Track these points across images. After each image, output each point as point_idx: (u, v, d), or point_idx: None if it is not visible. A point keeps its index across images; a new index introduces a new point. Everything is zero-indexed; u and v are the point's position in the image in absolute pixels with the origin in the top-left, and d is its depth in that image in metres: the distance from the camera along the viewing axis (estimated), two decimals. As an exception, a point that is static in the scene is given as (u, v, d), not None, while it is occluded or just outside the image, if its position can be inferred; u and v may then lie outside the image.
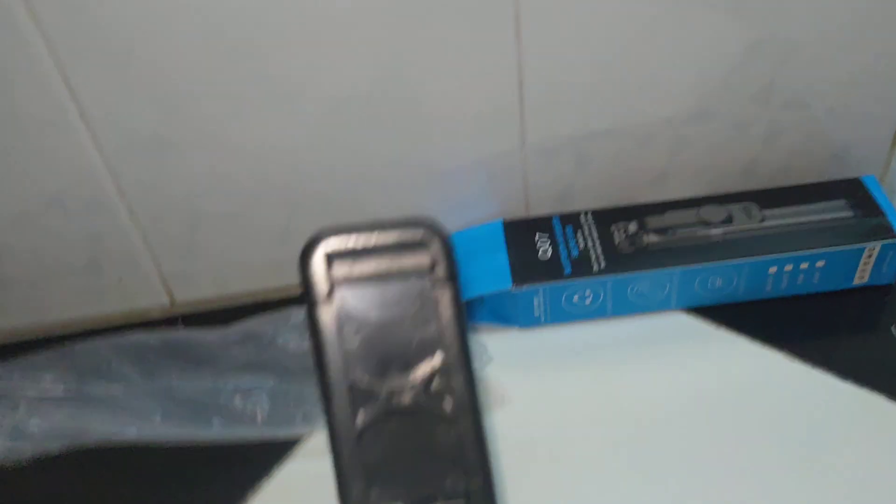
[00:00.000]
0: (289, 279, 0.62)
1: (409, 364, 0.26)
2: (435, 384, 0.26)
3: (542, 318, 0.58)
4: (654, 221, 0.57)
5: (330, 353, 0.26)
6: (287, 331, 0.53)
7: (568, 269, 0.56)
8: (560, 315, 0.57)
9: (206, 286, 0.61)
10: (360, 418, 0.26)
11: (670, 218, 0.57)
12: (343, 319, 0.26)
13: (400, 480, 0.26)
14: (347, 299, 0.26)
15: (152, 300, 0.61)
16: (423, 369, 0.26)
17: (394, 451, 0.26)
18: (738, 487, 0.49)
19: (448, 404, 0.26)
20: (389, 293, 0.26)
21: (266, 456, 0.54)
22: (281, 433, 0.54)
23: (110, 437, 0.54)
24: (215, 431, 0.53)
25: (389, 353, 0.26)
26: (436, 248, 0.27)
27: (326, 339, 0.26)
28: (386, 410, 0.26)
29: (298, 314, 0.54)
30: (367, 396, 0.26)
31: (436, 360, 0.26)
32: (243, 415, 0.53)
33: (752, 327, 0.57)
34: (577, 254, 0.56)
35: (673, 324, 0.58)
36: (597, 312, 0.57)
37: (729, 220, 0.57)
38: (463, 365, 0.26)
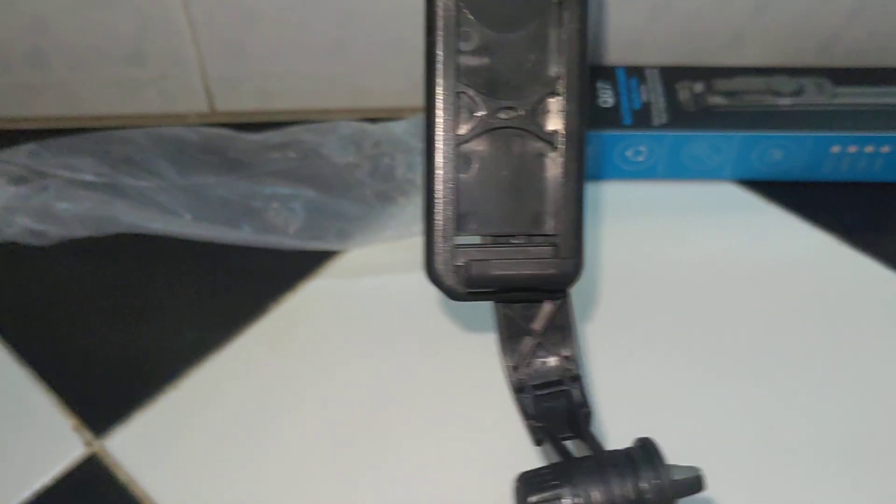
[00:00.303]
0: (335, 100, 0.60)
1: (521, 84, 0.24)
2: (544, 109, 0.24)
3: (590, 172, 0.56)
4: (721, 84, 0.55)
5: (441, 52, 0.24)
6: (333, 141, 0.51)
7: (628, 120, 0.53)
8: (610, 170, 0.56)
9: (248, 96, 0.59)
10: (462, 130, 0.24)
11: (739, 83, 0.55)
12: (461, 21, 0.24)
13: (489, 208, 0.24)
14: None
15: (192, 105, 0.59)
16: (535, 91, 0.24)
17: (489, 174, 0.24)
18: (768, 358, 0.48)
19: (554, 132, 0.24)
20: (513, 3, 0.24)
21: (293, 269, 0.53)
22: (311, 246, 0.52)
23: (138, 229, 0.53)
24: (245, 236, 0.52)
25: (503, 69, 0.24)
26: None
27: (441, 37, 0.24)
28: (489, 127, 0.24)
29: (347, 127, 0.52)
30: (472, 109, 0.24)
31: (549, 85, 0.24)
32: (275, 223, 0.52)
33: (804, 207, 0.55)
34: (640, 106, 0.54)
35: (723, 193, 0.56)
36: (647, 172, 0.56)
37: (799, 93, 0.55)
38: (576, 94, 0.24)
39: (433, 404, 0.47)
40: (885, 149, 0.54)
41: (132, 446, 0.46)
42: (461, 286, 0.24)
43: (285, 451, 0.46)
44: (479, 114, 0.24)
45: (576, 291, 0.52)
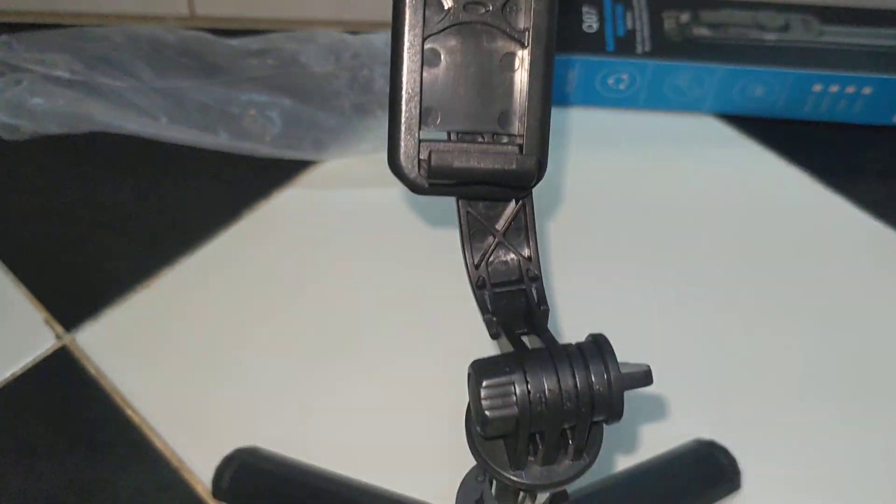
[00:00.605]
0: (317, 11, 0.59)
1: None
2: (515, 7, 0.24)
3: (571, 98, 0.56)
4: (708, 16, 0.55)
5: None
6: (312, 50, 0.51)
7: (611, 46, 0.53)
8: (590, 97, 0.55)
9: (229, 2, 0.58)
10: (429, 24, 0.24)
11: (725, 15, 0.55)
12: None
13: (454, 104, 0.24)
14: None
15: (171, 7, 0.58)
16: None
17: (456, 71, 0.24)
18: (728, 282, 0.49)
19: (524, 31, 0.24)
20: None
21: (268, 177, 0.53)
22: (287, 155, 0.52)
23: (113, 129, 0.53)
24: (221, 142, 0.52)
25: None
26: None
27: None
28: (458, 22, 0.24)
29: (326, 36, 0.51)
30: (441, 3, 0.24)
31: None
32: (252, 130, 0.52)
33: (782, 144, 0.55)
34: (624, 33, 0.54)
35: (703, 126, 0.56)
36: (628, 101, 0.55)
37: (785, 28, 0.54)
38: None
39: (399, 307, 0.48)
40: (867, 90, 0.54)
41: (102, 341, 0.47)
42: (423, 179, 0.24)
43: (251, 350, 0.47)
44: (448, 7, 0.24)
45: (544, 204, 0.52)
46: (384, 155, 0.52)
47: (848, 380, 0.46)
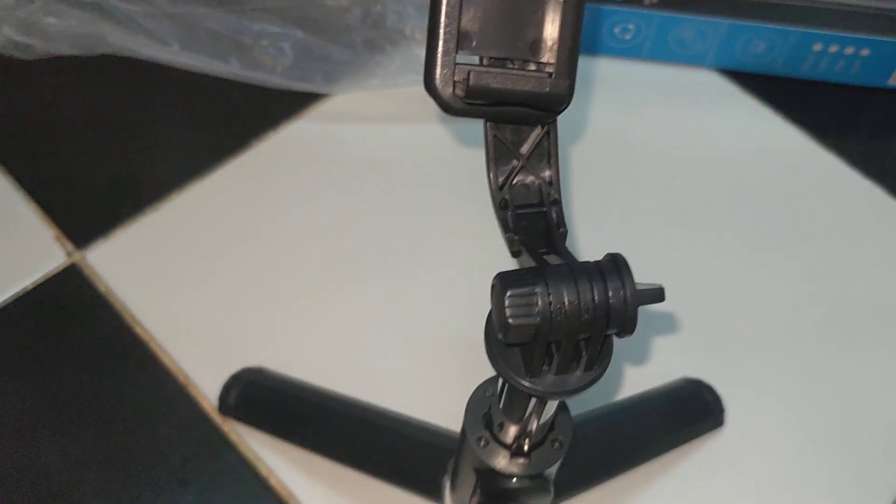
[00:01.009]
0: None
1: None
2: None
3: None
4: (715, -30, 0.56)
5: None
6: (326, -18, 0.51)
7: (620, -5, 0.54)
8: (596, 46, 0.56)
9: (243, -68, 0.58)
10: None
11: (733, -30, 0.56)
12: None
13: (490, 30, 0.25)
14: None
15: (184, -66, 0.58)
16: None
17: (493, 6, 0.25)
18: (726, 235, 0.51)
19: None
20: None
21: (278, 108, 0.54)
22: (297, 87, 0.53)
23: (125, 52, 0.53)
24: (232, 70, 0.52)
25: None
26: None
27: None
28: None
29: (340, -32, 0.52)
30: None
31: None
32: (263, 60, 0.52)
33: (780, 101, 0.57)
34: (633, -18, 0.55)
35: (704, 80, 0.57)
36: (633, 51, 0.56)
37: (790, -13, 0.56)
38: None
39: (403, 236, 0.49)
40: (865, 52, 0.55)
41: (112, 260, 0.48)
42: (458, 100, 0.25)
43: (259, 274, 0.48)
44: None
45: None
46: (393, 91, 0.53)
47: (832, 327, 0.48)
